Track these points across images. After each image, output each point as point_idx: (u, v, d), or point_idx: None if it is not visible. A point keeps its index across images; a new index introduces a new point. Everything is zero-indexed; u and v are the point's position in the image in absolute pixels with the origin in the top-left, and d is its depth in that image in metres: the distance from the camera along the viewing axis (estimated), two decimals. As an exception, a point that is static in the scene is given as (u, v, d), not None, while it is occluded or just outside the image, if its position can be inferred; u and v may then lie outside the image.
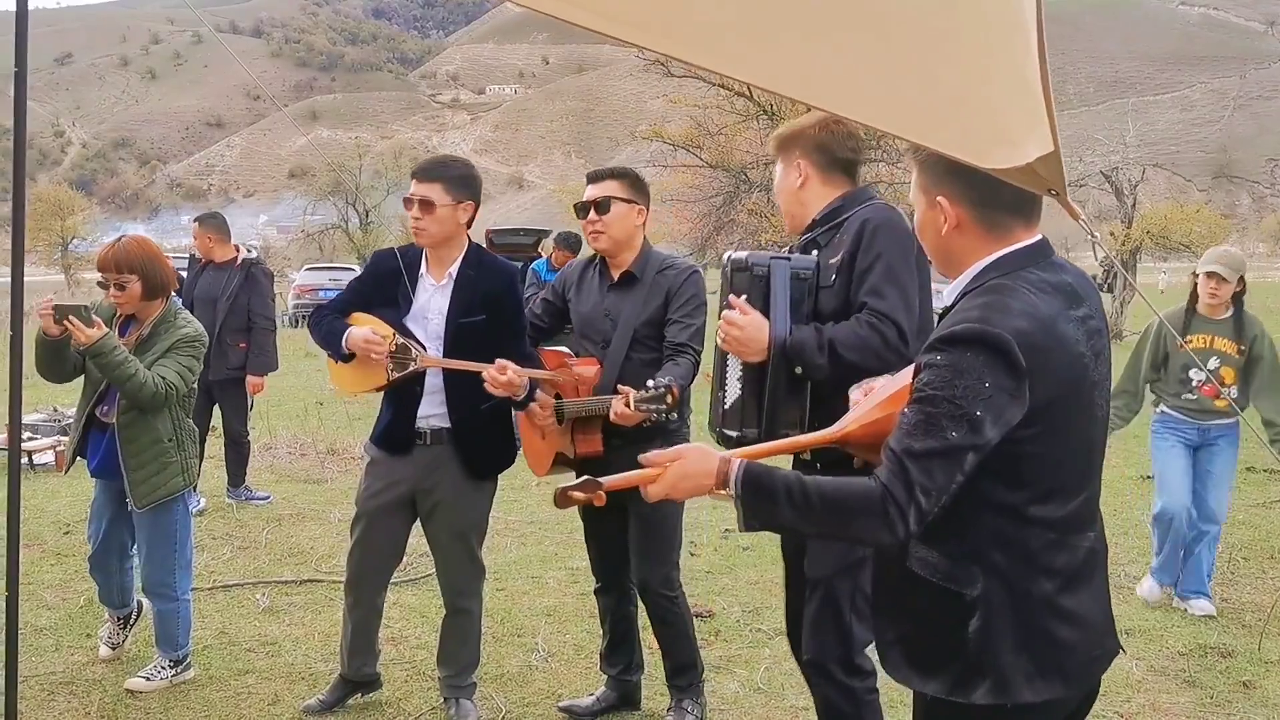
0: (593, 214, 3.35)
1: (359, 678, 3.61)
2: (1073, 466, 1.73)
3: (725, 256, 2.71)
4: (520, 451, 3.56)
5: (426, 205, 3.26)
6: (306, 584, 4.93)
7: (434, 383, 3.34)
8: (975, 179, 1.68)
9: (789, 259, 2.65)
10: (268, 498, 6.59)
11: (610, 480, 1.87)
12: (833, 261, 2.62)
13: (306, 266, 29.39)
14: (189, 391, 3.69)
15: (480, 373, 3.18)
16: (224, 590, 4.83)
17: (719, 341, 2.63)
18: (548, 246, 12.94)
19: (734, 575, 5.09)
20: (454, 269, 3.35)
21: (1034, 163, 1.47)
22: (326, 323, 3.40)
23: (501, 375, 3.14)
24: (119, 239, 3.72)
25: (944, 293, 1.85)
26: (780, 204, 2.87)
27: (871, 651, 2.38)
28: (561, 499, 1.90)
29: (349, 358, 3.34)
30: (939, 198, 1.77)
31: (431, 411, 3.35)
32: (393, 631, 4.23)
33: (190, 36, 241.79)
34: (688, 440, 3.01)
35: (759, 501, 1.73)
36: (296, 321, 22.62)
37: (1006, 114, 1.48)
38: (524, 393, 3.24)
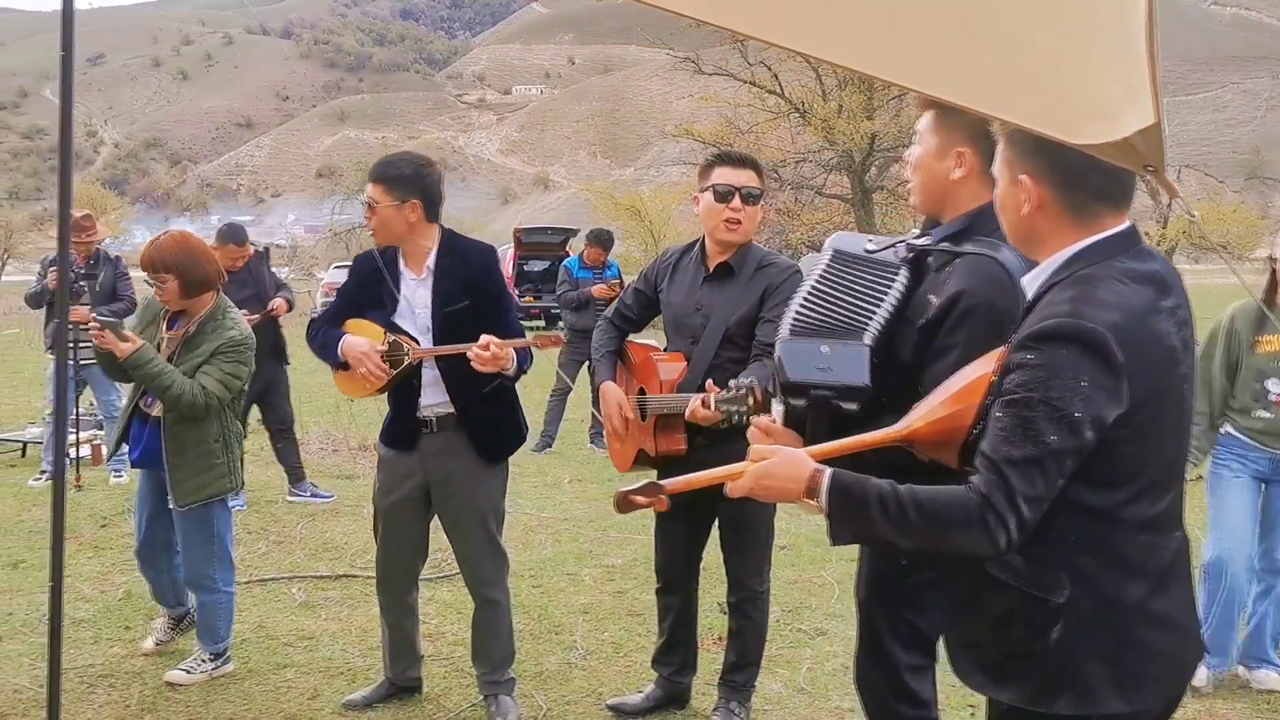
0: (736, 200, 3.16)
1: (404, 682, 3.59)
2: (1163, 463, 1.65)
3: (829, 242, 2.25)
4: (525, 436, 3.51)
5: (370, 207, 3.27)
6: (342, 579, 4.91)
7: (432, 373, 3.32)
8: (1063, 159, 1.59)
9: (831, 392, 2.01)
10: (330, 496, 6.51)
11: (687, 479, 1.78)
12: (926, 315, 2.14)
13: (334, 265, 29.76)
14: (238, 394, 3.70)
15: (468, 354, 3.15)
16: (260, 584, 4.81)
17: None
18: (576, 245, 12.97)
19: (772, 574, 5.00)
20: (430, 261, 3.32)
21: (1132, 137, 1.37)
22: (321, 334, 3.40)
23: (485, 352, 3.09)
24: (158, 236, 3.72)
25: (1023, 283, 1.76)
26: (916, 181, 2.30)
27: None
28: (623, 503, 1.78)
29: (347, 365, 3.33)
30: (1021, 175, 1.68)
31: (435, 400, 3.33)
32: (430, 628, 4.19)
33: (221, 38, 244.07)
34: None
35: (849, 512, 1.65)
36: (325, 319, 22.68)
37: (1107, 82, 1.38)
38: (513, 366, 3.20)
